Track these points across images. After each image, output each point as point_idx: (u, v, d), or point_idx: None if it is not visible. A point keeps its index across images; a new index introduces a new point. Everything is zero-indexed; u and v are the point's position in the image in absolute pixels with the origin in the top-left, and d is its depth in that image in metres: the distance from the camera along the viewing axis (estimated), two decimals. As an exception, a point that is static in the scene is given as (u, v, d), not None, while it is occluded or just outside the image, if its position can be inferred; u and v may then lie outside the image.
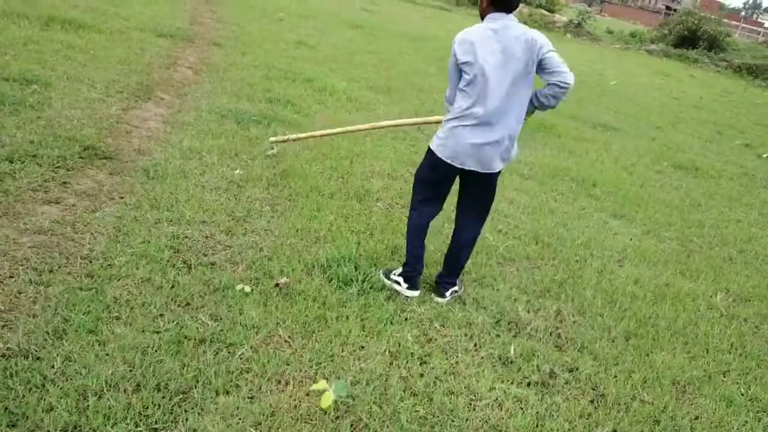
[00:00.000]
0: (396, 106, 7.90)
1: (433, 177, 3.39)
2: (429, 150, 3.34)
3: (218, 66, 7.79)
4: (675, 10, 53.80)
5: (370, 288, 3.48)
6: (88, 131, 4.77)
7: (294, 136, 5.20)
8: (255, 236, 3.83)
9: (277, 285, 3.30)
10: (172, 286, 3.11)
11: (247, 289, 3.21)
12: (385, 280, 3.59)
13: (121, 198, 3.93)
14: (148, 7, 10.11)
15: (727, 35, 31.25)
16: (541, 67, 3.08)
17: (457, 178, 3.44)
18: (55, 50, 6.59)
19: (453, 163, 3.23)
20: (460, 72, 3.17)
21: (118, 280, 3.08)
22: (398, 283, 3.56)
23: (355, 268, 3.61)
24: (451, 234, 3.69)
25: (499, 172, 3.37)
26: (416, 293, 3.55)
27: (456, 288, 3.68)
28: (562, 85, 3.05)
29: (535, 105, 3.24)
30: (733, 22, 46.78)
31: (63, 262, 3.12)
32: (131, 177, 4.27)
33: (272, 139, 5.34)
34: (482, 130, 3.14)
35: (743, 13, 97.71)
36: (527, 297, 3.85)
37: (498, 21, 3.09)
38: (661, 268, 4.78)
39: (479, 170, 3.24)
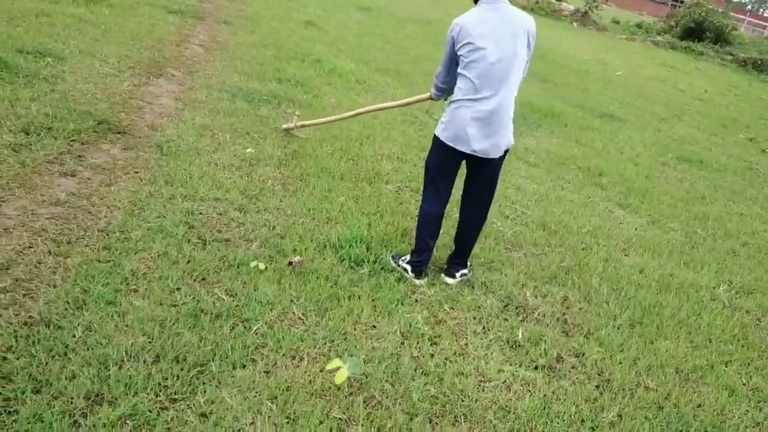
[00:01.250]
0: (404, 89, 7.91)
1: (439, 162, 3.42)
2: (434, 136, 3.39)
3: (228, 44, 7.79)
4: (682, 1, 53.52)
5: (381, 269, 3.54)
6: (102, 106, 4.79)
7: (309, 122, 5.25)
8: (268, 214, 3.87)
9: (290, 263, 3.35)
10: (188, 261, 3.16)
11: (262, 266, 3.26)
12: (394, 265, 3.64)
13: (136, 173, 3.96)
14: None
15: (734, 28, 31.10)
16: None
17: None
18: (67, 24, 6.59)
19: (456, 146, 3.26)
20: (455, 56, 3.23)
21: (135, 253, 3.12)
22: (405, 270, 3.60)
23: (367, 248, 3.66)
24: (458, 219, 3.74)
25: (502, 159, 3.40)
26: (422, 281, 3.59)
27: (465, 271, 3.74)
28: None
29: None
30: (740, 16, 46.55)
31: (80, 234, 3.17)
32: (145, 152, 4.30)
33: (283, 126, 5.38)
34: (483, 110, 3.17)
35: (750, 7, 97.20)
36: (535, 282, 3.90)
37: (492, 4, 3.15)
38: (665, 258, 4.83)
39: (481, 156, 3.27)
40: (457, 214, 3.78)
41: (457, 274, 3.69)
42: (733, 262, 5.08)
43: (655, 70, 18.24)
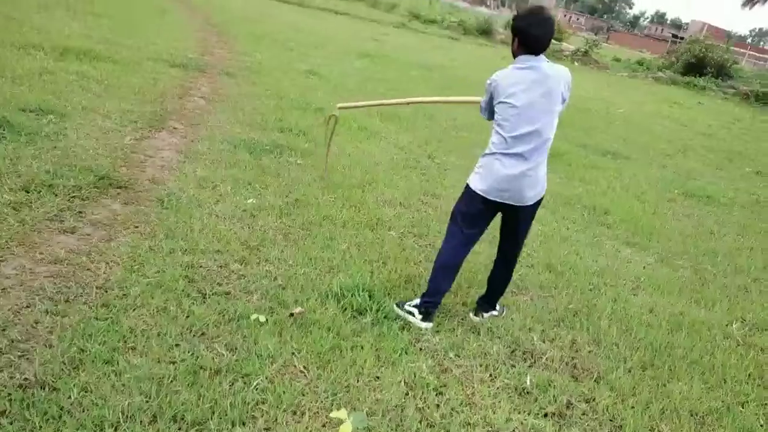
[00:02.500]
0: (406, 134, 7.96)
1: (468, 211, 3.48)
2: (466, 185, 3.47)
3: (230, 96, 7.88)
4: (682, 38, 54.12)
5: (384, 317, 3.48)
6: (103, 161, 4.82)
7: (361, 103, 5.81)
8: (269, 265, 3.84)
9: (291, 315, 3.30)
10: (188, 316, 3.12)
11: (262, 318, 3.21)
12: (398, 311, 3.58)
13: (136, 227, 3.95)
14: (160, 37, 10.27)
15: (735, 62, 31.35)
16: None
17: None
18: (70, 81, 6.70)
19: (488, 197, 3.35)
20: (492, 107, 3.38)
21: (134, 309, 3.09)
22: (412, 314, 3.55)
23: (369, 297, 3.61)
24: (494, 260, 3.78)
25: (536, 206, 3.47)
26: (429, 325, 3.54)
27: (495, 313, 3.80)
28: None
29: None
30: (740, 50, 46.96)
31: (79, 291, 3.14)
32: (146, 206, 4.30)
33: (339, 105, 5.48)
34: (515, 162, 3.27)
35: (750, 41, 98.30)
36: (542, 326, 3.82)
37: (528, 62, 3.27)
38: (675, 296, 4.75)
39: (513, 203, 3.36)
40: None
41: (486, 315, 3.75)
42: (745, 298, 4.99)
43: (658, 106, 18.32)
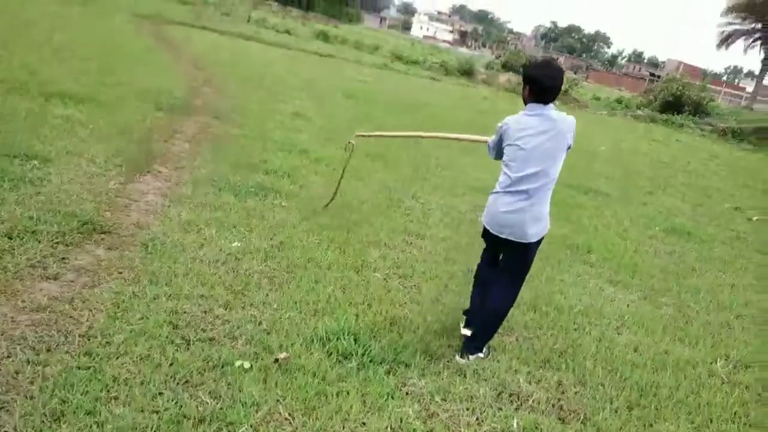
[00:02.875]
0: (392, 173, 8.01)
1: (485, 240, 3.93)
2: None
3: (216, 138, 7.92)
4: (659, 76, 55.26)
5: (370, 361, 3.47)
6: (87, 206, 4.81)
7: (378, 133, 6.20)
8: (253, 310, 3.83)
9: (276, 360, 3.28)
10: (171, 364, 3.09)
11: (247, 365, 3.19)
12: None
13: (120, 273, 3.93)
14: (146, 80, 10.30)
15: (711, 100, 32.03)
16: None
17: None
18: (55, 125, 6.70)
19: (491, 231, 3.69)
20: (501, 148, 3.69)
21: (117, 358, 3.06)
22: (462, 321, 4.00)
23: (355, 340, 3.60)
24: (487, 295, 3.88)
25: (537, 245, 3.71)
26: (467, 331, 3.84)
27: (481, 355, 3.81)
28: None
29: None
30: (716, 88, 48.00)
31: (61, 340, 3.11)
32: (130, 252, 4.29)
33: (357, 133, 5.79)
34: (517, 199, 3.56)
35: (725, 78, 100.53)
36: (528, 368, 3.83)
37: (537, 110, 3.56)
38: (659, 334, 4.78)
39: (515, 239, 3.62)
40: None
41: (471, 357, 3.77)
42: (729, 335, 5.03)
43: (638, 144, 18.63)
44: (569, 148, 3.61)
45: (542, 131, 3.52)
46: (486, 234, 3.80)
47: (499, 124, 3.69)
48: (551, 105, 3.59)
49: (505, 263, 3.87)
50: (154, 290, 3.78)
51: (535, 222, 3.60)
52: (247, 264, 4.49)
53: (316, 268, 4.66)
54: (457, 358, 3.77)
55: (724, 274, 6.69)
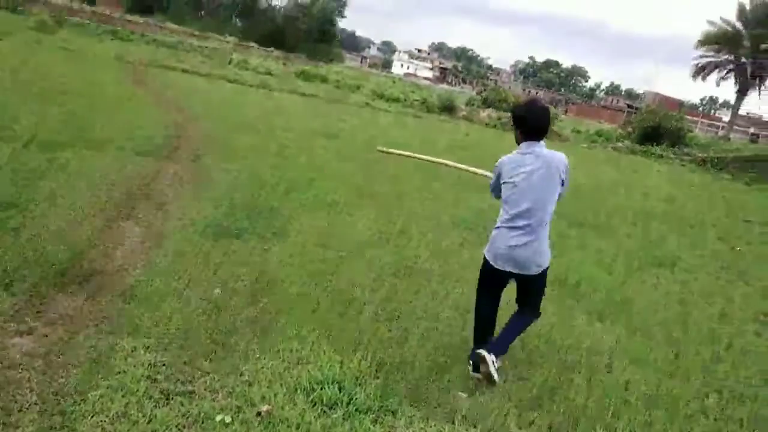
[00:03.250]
0: (374, 210, 7.96)
1: (484, 276, 4.11)
2: (483, 253, 4.05)
3: (198, 180, 7.85)
4: (637, 108, 56.18)
5: (356, 410, 3.37)
6: (65, 254, 4.71)
7: (398, 151, 6.37)
8: (235, 359, 3.72)
9: (258, 414, 3.18)
10: (149, 421, 2.98)
11: (228, 419, 3.08)
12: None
13: (97, 325, 3.82)
14: (128, 124, 10.25)
15: (689, 130, 32.51)
16: None
17: None
18: (34, 172, 6.61)
19: (495, 265, 3.91)
20: (499, 186, 3.97)
21: (92, 416, 2.94)
22: (469, 363, 4.05)
23: (340, 389, 3.51)
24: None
25: (543, 275, 4.00)
26: (477, 374, 3.95)
27: (497, 361, 3.91)
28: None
29: None
30: (693, 118, 48.85)
31: (33, 399, 2.99)
32: (108, 301, 4.19)
33: (379, 148, 6.15)
34: (517, 234, 3.82)
35: (701, 109, 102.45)
36: (518, 409, 3.75)
37: (530, 148, 3.85)
38: (650, 370, 4.72)
39: (518, 272, 3.89)
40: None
41: (498, 358, 3.92)
42: (719, 368, 4.98)
43: (619, 176, 18.76)
44: (563, 183, 3.87)
45: (535, 169, 3.78)
46: (487, 268, 3.99)
47: (496, 164, 3.97)
48: (543, 143, 3.86)
49: (520, 294, 4.15)
50: (132, 342, 3.68)
51: (536, 255, 3.86)
52: (230, 310, 4.39)
53: (301, 311, 4.57)
54: (472, 372, 3.97)
55: (711, 306, 6.66)
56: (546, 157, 3.83)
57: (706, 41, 44.70)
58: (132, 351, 3.58)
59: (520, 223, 3.81)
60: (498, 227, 3.94)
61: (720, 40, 44.28)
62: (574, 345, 4.88)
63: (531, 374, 4.27)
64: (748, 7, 42.58)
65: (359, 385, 3.63)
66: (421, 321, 4.83)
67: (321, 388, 3.47)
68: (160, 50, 33.96)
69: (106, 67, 19.91)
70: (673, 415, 4.02)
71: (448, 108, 32.65)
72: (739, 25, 43.30)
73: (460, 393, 3.82)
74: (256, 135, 12.33)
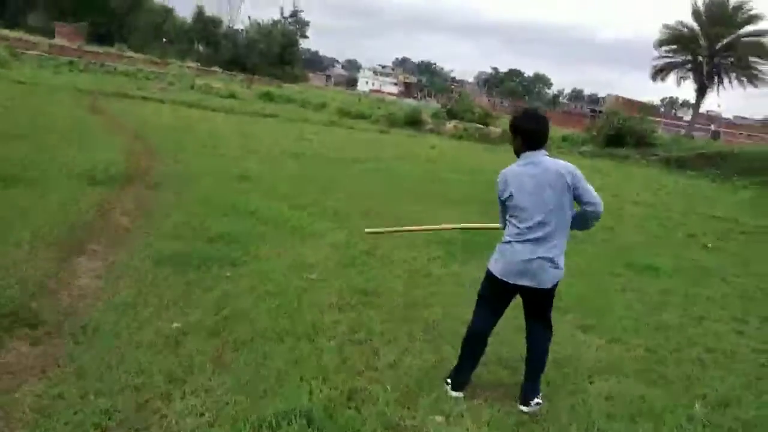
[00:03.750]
0: (342, 231, 7.73)
1: (490, 293, 3.90)
2: (487, 269, 3.87)
3: (156, 208, 7.56)
4: (600, 111, 56.91)
5: (327, 446, 3.14)
6: (11, 298, 4.40)
7: (388, 229, 5.96)
8: (195, 398, 3.46)
9: (220, 457, 2.93)
10: (99, 476, 2.71)
11: (186, 466, 2.83)
12: (444, 381, 4.00)
13: (44, 372, 3.53)
14: (82, 154, 9.91)
15: (653, 131, 32.92)
16: (576, 196, 3.70)
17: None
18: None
19: (506, 280, 3.72)
20: (503, 202, 3.80)
21: (34, 476, 2.67)
22: (447, 383, 3.95)
23: (308, 423, 3.28)
24: (526, 343, 4.04)
25: (554, 288, 3.80)
26: (460, 395, 3.88)
27: (539, 400, 3.83)
28: (591, 214, 3.75)
29: (571, 227, 3.83)
30: (656, 119, 49.62)
31: (-32, 461, 2.71)
32: (56, 345, 3.90)
33: (367, 230, 5.82)
34: (530, 248, 3.65)
35: (662, 109, 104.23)
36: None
37: (531, 157, 3.74)
38: (633, 379, 4.57)
39: (532, 286, 3.71)
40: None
41: (532, 403, 3.83)
42: (703, 372, 4.85)
43: (588, 179, 18.79)
44: (575, 188, 3.66)
45: (540, 178, 3.66)
46: (494, 285, 3.81)
47: (497, 180, 3.82)
48: (543, 151, 3.76)
49: (530, 310, 3.95)
50: (82, 388, 3.40)
51: (549, 268, 3.68)
52: (188, 345, 4.13)
53: (265, 341, 4.32)
54: (520, 407, 3.84)
55: (691, 307, 6.55)
56: (548, 164, 3.72)
57: (664, 42, 45.52)
58: (81, 398, 3.31)
59: (532, 236, 3.65)
60: (507, 241, 3.75)
61: (677, 41, 45.10)
62: (556, 359, 4.66)
63: (512, 394, 4.07)
64: (702, 8, 43.47)
65: (329, 416, 3.40)
66: (392, 344, 4.61)
67: (288, 423, 3.23)
68: (118, 79, 33.57)
69: (60, 97, 19.46)
70: (660, 427, 3.86)
71: (413, 121, 32.64)
72: (695, 25, 44.18)
73: (436, 417, 3.61)
74: (217, 159, 12.06)
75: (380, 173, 13.48)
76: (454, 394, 3.88)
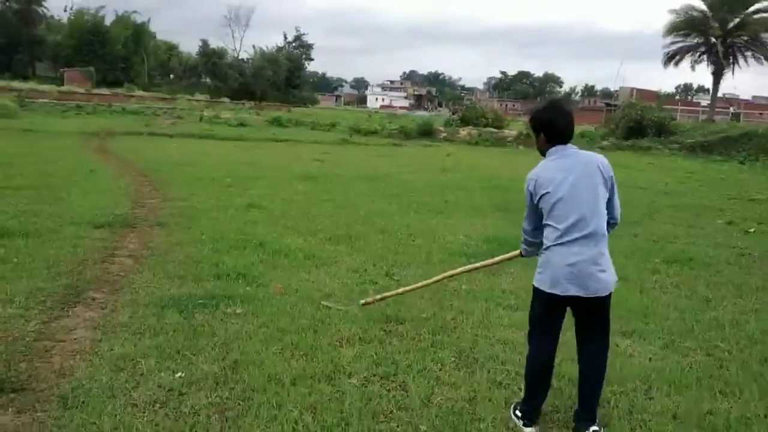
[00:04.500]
0: (359, 255, 7.27)
1: (542, 313, 3.50)
2: (533, 287, 3.49)
3: (161, 248, 7.16)
4: (616, 105, 56.10)
5: None
6: (-3, 359, 4.00)
7: (385, 294, 5.20)
8: (198, 463, 3.01)
9: None
10: None
11: None
12: (512, 415, 3.58)
13: (26, 446, 3.11)
14: (86, 199, 9.60)
15: (672, 119, 32.21)
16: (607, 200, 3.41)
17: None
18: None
19: (555, 292, 3.32)
20: (536, 209, 3.42)
21: None
22: (518, 417, 3.54)
23: (330, 485, 2.79)
24: (579, 369, 3.62)
25: (608, 299, 3.41)
26: (531, 429, 3.48)
27: (596, 427, 3.41)
28: (611, 222, 3.49)
29: None
30: (674, 107, 48.73)
31: None
32: (44, 411, 3.47)
33: (361, 302, 5.26)
34: (576, 250, 3.27)
35: (678, 97, 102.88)
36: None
37: (559, 152, 3.41)
38: (695, 391, 4.04)
39: (582, 295, 3.28)
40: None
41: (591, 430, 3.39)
42: (775, 375, 4.28)
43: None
44: (609, 182, 3.41)
45: (574, 172, 3.33)
46: (545, 303, 3.43)
47: (526, 182, 3.46)
48: (571, 145, 3.46)
49: (580, 328, 3.57)
50: (67, 463, 2.96)
51: (596, 273, 3.29)
52: (192, 399, 3.68)
53: (278, 386, 3.86)
54: None
55: (742, 300, 5.99)
56: (582, 157, 3.42)
57: (675, 27, 44.69)
58: (65, 477, 2.87)
59: (575, 235, 3.27)
60: (548, 248, 3.37)
61: (688, 26, 44.29)
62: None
63: (559, 418, 3.58)
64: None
65: (353, 475, 2.92)
66: (421, 376, 4.12)
67: (304, 488, 2.76)
68: (127, 118, 33.58)
69: (66, 142, 19.31)
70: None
71: (427, 132, 32.32)
72: (703, 6, 43.38)
73: None
74: (224, 190, 11.67)
75: (395, 188, 13.02)
76: (526, 430, 3.49)
